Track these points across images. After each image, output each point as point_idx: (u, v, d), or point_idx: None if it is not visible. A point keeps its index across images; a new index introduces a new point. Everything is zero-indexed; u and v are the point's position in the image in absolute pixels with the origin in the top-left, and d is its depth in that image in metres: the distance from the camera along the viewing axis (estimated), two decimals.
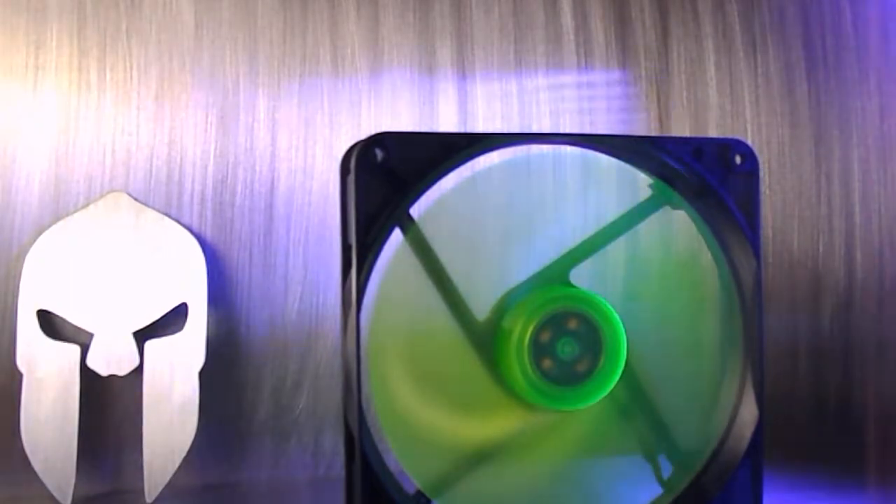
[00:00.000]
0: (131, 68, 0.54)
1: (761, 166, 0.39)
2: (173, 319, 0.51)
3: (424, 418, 0.36)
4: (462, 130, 0.57)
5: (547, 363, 0.35)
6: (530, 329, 0.35)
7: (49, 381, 0.49)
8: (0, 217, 0.52)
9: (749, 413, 0.39)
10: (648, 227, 0.38)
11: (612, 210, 0.38)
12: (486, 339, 0.36)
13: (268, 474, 0.55)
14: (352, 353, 0.35)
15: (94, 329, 0.50)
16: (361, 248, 0.34)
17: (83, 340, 0.50)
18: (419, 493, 0.36)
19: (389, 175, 0.34)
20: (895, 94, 0.61)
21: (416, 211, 0.35)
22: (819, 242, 0.62)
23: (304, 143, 0.56)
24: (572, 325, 0.35)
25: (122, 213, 0.52)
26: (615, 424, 0.38)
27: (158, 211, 0.52)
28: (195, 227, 0.54)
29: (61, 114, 0.53)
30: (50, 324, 0.50)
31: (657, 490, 0.39)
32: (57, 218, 0.51)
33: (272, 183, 0.55)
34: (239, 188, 0.55)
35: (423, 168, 0.35)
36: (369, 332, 0.35)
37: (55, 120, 0.53)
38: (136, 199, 0.52)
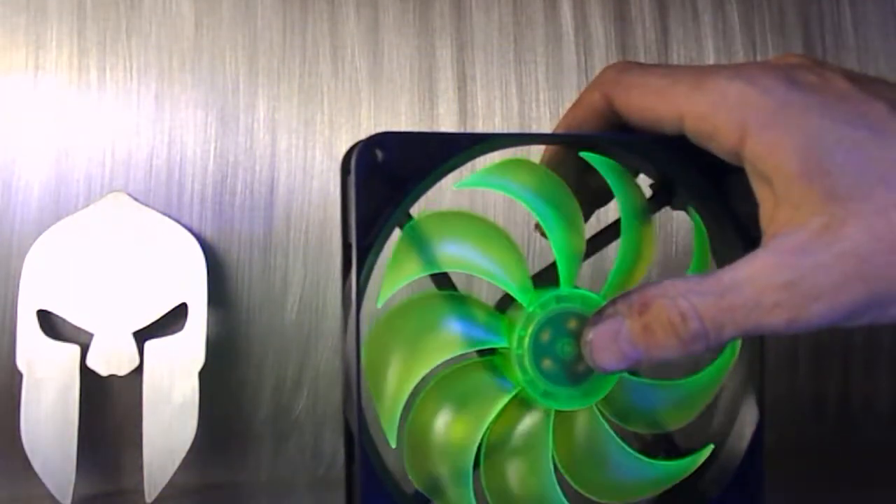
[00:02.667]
0: (131, 68, 0.54)
1: None
2: (173, 319, 0.51)
3: (424, 418, 0.36)
4: (462, 130, 0.57)
5: (547, 363, 0.35)
6: (530, 329, 0.35)
7: (49, 381, 0.49)
8: (0, 217, 0.52)
9: (749, 413, 0.39)
10: (648, 228, 0.38)
11: (612, 210, 0.38)
12: (492, 315, 0.36)
13: (268, 474, 0.55)
14: (352, 352, 0.35)
15: (94, 329, 0.50)
16: (361, 247, 0.34)
17: (83, 340, 0.50)
18: (419, 493, 0.36)
19: (390, 175, 0.34)
20: None
21: (416, 210, 0.35)
22: None
23: (304, 143, 0.56)
24: (572, 325, 0.35)
25: (122, 214, 0.52)
26: (615, 424, 0.38)
27: (158, 211, 0.52)
28: (195, 227, 0.54)
29: (61, 114, 0.53)
30: (50, 324, 0.51)
31: (657, 490, 0.39)
32: (57, 218, 0.51)
33: (272, 183, 0.55)
34: (239, 188, 0.55)
35: (423, 168, 0.35)
36: (369, 332, 0.35)
37: (55, 120, 0.53)
38: (136, 199, 0.52)
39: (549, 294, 0.35)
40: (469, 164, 0.36)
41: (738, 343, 0.39)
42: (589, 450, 0.37)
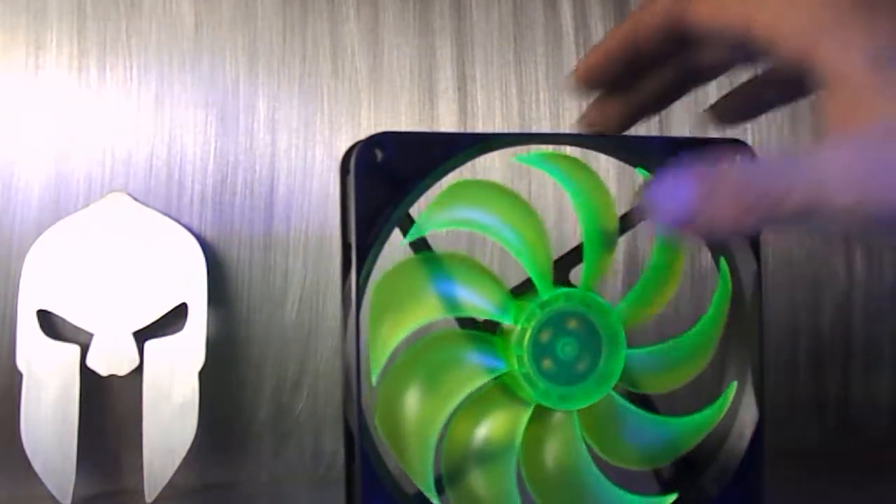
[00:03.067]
0: (131, 68, 0.54)
1: None
2: (173, 319, 0.51)
3: (424, 418, 0.36)
4: (462, 130, 0.57)
5: (547, 363, 0.35)
6: (525, 344, 0.35)
7: (49, 381, 0.49)
8: (0, 217, 0.52)
9: (749, 413, 0.39)
10: (648, 228, 0.38)
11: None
12: (485, 340, 0.36)
13: (268, 474, 0.55)
14: (352, 353, 0.35)
15: (94, 329, 0.50)
16: (361, 247, 0.34)
17: (83, 340, 0.50)
18: (419, 494, 0.36)
19: (389, 175, 0.34)
20: None
21: (415, 211, 0.35)
22: (819, 242, 0.62)
23: (304, 143, 0.56)
24: (572, 324, 0.35)
25: (122, 213, 0.52)
26: (615, 424, 0.38)
27: (158, 211, 0.52)
28: (195, 227, 0.54)
29: (61, 114, 0.53)
30: (50, 324, 0.51)
31: (657, 489, 0.39)
32: (57, 218, 0.51)
33: (272, 183, 0.55)
34: (239, 188, 0.55)
35: (422, 168, 0.35)
36: (369, 332, 0.35)
37: (55, 120, 0.53)
38: (136, 200, 0.52)
39: (532, 305, 0.35)
40: (469, 164, 0.36)
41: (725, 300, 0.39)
42: (611, 423, 0.37)
